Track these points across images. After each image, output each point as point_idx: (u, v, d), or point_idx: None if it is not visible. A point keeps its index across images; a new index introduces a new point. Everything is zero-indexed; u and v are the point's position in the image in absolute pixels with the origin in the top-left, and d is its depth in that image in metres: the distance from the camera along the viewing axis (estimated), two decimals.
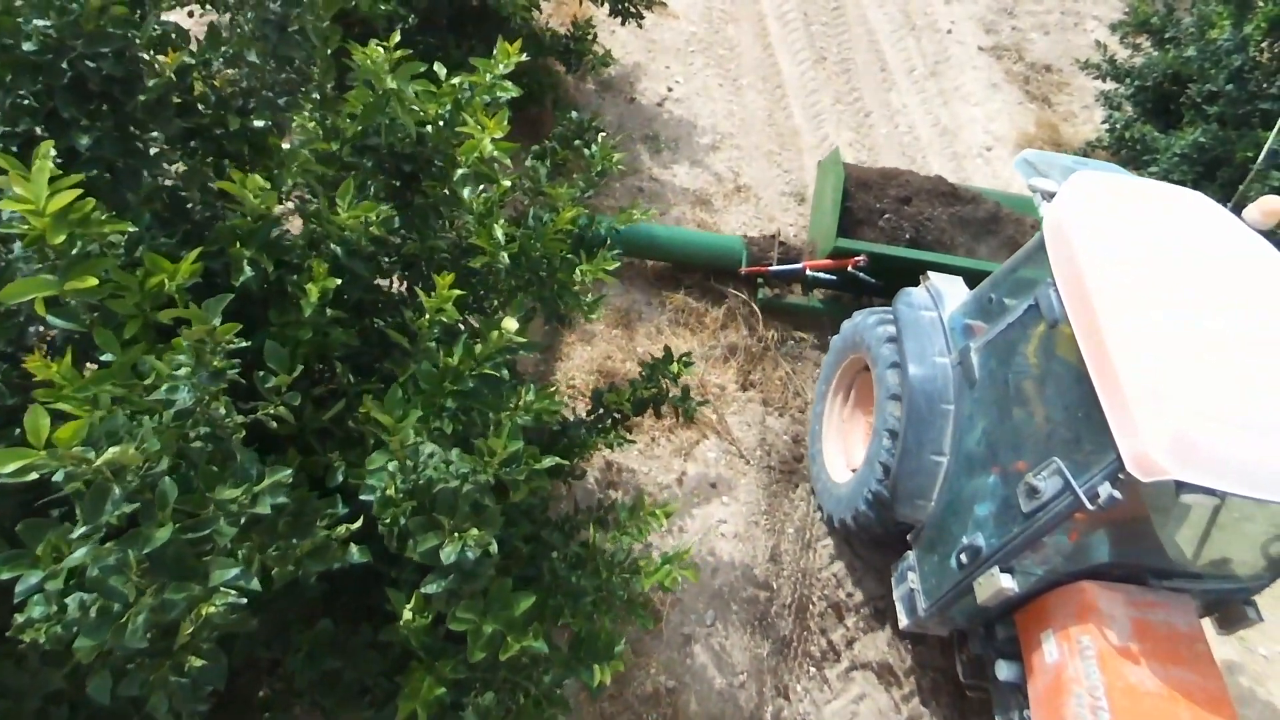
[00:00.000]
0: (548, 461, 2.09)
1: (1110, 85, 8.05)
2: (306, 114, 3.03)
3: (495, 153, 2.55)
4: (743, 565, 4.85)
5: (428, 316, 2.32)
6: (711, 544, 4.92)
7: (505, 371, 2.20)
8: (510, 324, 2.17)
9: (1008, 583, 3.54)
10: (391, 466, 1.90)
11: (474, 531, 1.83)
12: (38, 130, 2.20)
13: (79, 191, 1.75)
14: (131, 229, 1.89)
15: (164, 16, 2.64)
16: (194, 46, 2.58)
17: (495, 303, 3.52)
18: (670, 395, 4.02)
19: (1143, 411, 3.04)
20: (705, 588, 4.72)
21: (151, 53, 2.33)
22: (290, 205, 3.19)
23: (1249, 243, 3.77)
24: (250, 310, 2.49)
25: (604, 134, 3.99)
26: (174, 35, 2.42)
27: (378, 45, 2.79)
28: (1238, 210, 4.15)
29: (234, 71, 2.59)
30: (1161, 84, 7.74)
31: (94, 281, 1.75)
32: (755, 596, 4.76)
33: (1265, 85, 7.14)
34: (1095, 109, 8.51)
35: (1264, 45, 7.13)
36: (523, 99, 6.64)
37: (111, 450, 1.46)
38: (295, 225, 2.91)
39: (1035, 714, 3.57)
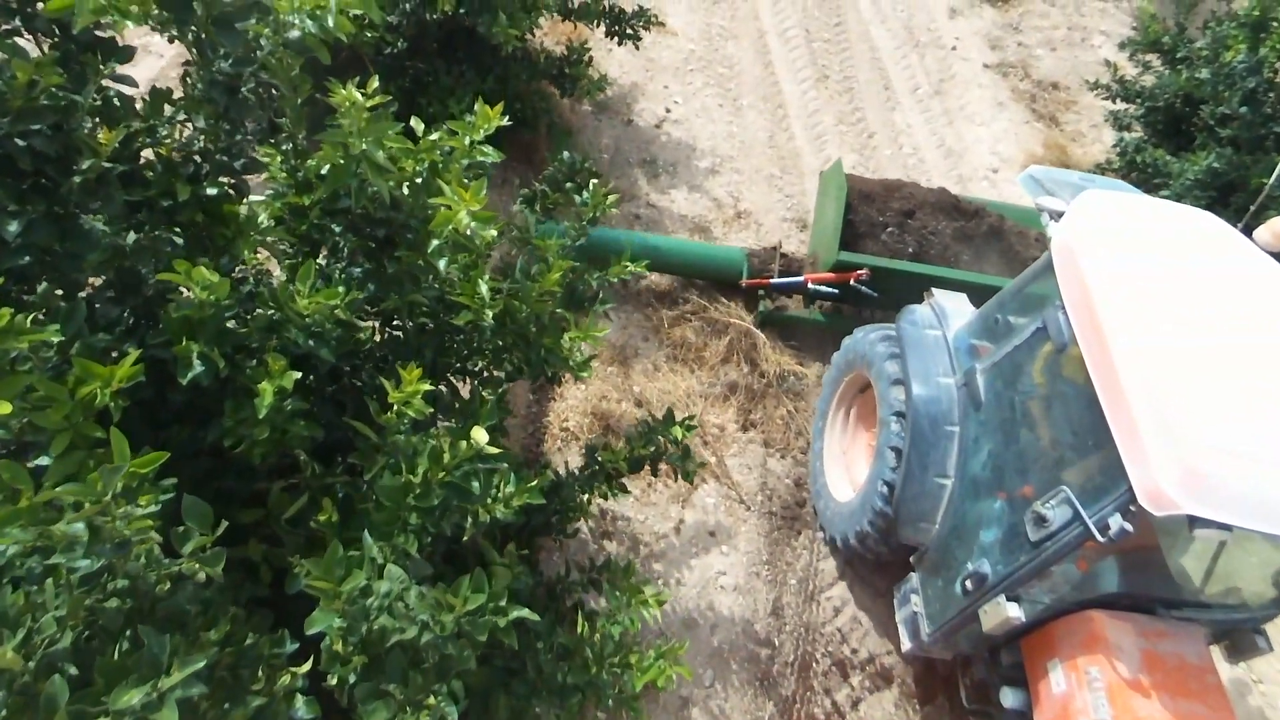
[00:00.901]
0: (515, 613, 1.88)
1: (1120, 105, 7.84)
2: (278, 164, 2.84)
3: (473, 225, 2.34)
4: (743, 620, 4.64)
5: (394, 411, 2.12)
6: (710, 597, 4.70)
7: (476, 484, 1.99)
8: (480, 435, 1.96)
9: (1014, 612, 3.47)
10: (337, 623, 1.70)
11: (431, 702, 1.63)
12: None
13: None
14: (57, 339, 1.68)
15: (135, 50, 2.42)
16: (140, 106, 2.38)
17: (479, 364, 3.34)
18: (669, 453, 3.81)
19: (1155, 443, 2.95)
20: (704, 645, 4.51)
21: (92, 122, 2.13)
22: (261, 258, 2.99)
23: (1260, 265, 3.68)
24: (203, 401, 2.29)
25: (596, 181, 3.76)
26: (117, 102, 2.21)
27: (356, 90, 2.61)
28: (1248, 231, 4.03)
29: (185, 134, 2.39)
30: (1173, 105, 7.52)
31: (7, 409, 1.55)
32: (756, 654, 4.54)
33: None
34: (1104, 128, 8.30)
35: (1279, 66, 6.92)
36: (516, 124, 6.51)
37: None
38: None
39: None
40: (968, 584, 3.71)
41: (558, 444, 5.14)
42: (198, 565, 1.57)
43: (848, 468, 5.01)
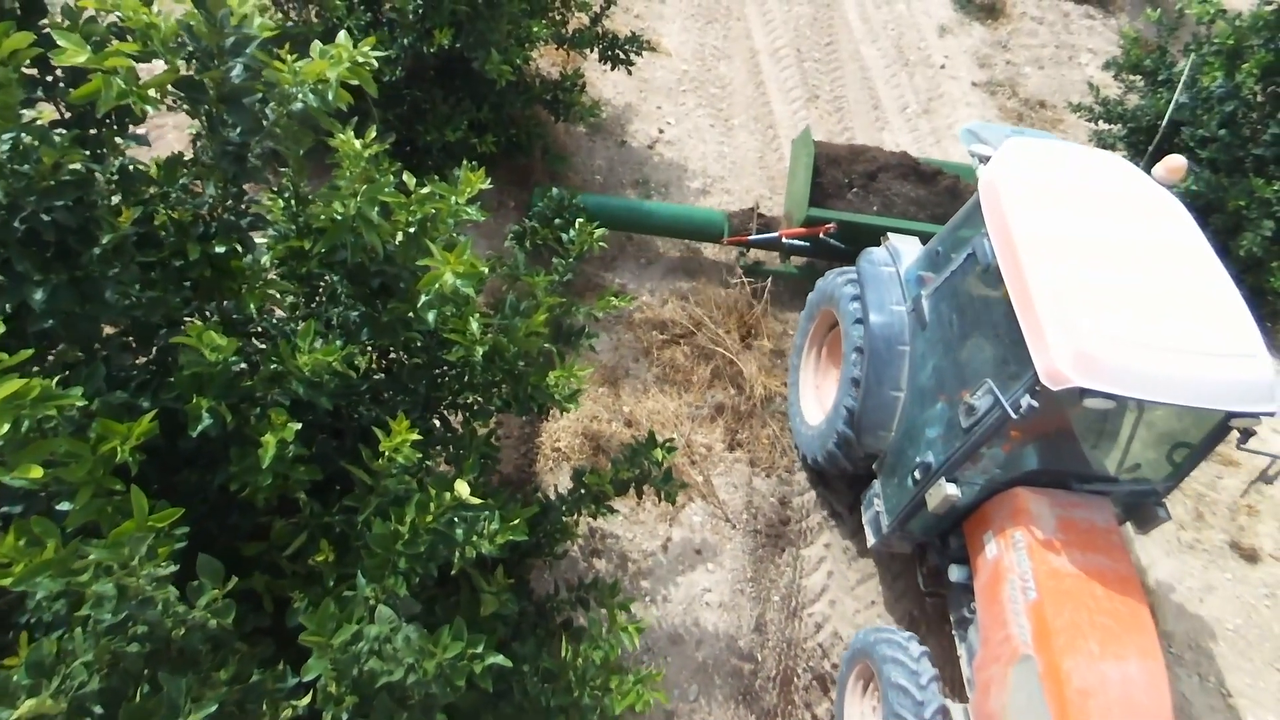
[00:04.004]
0: (490, 659, 2.06)
1: (1103, 126, 8.01)
2: (280, 209, 3.03)
3: (458, 283, 2.52)
4: (727, 636, 4.82)
5: (385, 458, 2.30)
6: (696, 614, 4.88)
7: (459, 530, 2.17)
8: (462, 488, 2.15)
9: (952, 490, 4.06)
10: (329, 670, 1.88)
11: None
12: None
13: (24, 382, 1.73)
14: (80, 403, 1.87)
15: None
16: (154, 171, 2.56)
17: (470, 399, 3.52)
18: (653, 477, 3.99)
19: (1053, 333, 3.60)
20: (689, 661, 4.69)
21: (110, 192, 2.31)
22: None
23: (1155, 195, 4.35)
24: (210, 447, 2.47)
25: (582, 220, 3.94)
26: (133, 169, 2.39)
27: (355, 138, 2.79)
28: (1149, 168, 4.68)
29: (194, 198, 2.57)
30: (1155, 126, 7.69)
31: (39, 473, 1.73)
32: (739, 669, 4.72)
33: (1259, 128, 7.11)
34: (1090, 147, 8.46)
35: (1256, 89, 7.09)
36: (510, 149, 6.70)
37: (29, 703, 1.44)
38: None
39: (979, 602, 4.14)
40: (916, 474, 4.33)
41: (549, 464, 5.33)
42: (210, 616, 1.75)
43: (819, 398, 5.64)
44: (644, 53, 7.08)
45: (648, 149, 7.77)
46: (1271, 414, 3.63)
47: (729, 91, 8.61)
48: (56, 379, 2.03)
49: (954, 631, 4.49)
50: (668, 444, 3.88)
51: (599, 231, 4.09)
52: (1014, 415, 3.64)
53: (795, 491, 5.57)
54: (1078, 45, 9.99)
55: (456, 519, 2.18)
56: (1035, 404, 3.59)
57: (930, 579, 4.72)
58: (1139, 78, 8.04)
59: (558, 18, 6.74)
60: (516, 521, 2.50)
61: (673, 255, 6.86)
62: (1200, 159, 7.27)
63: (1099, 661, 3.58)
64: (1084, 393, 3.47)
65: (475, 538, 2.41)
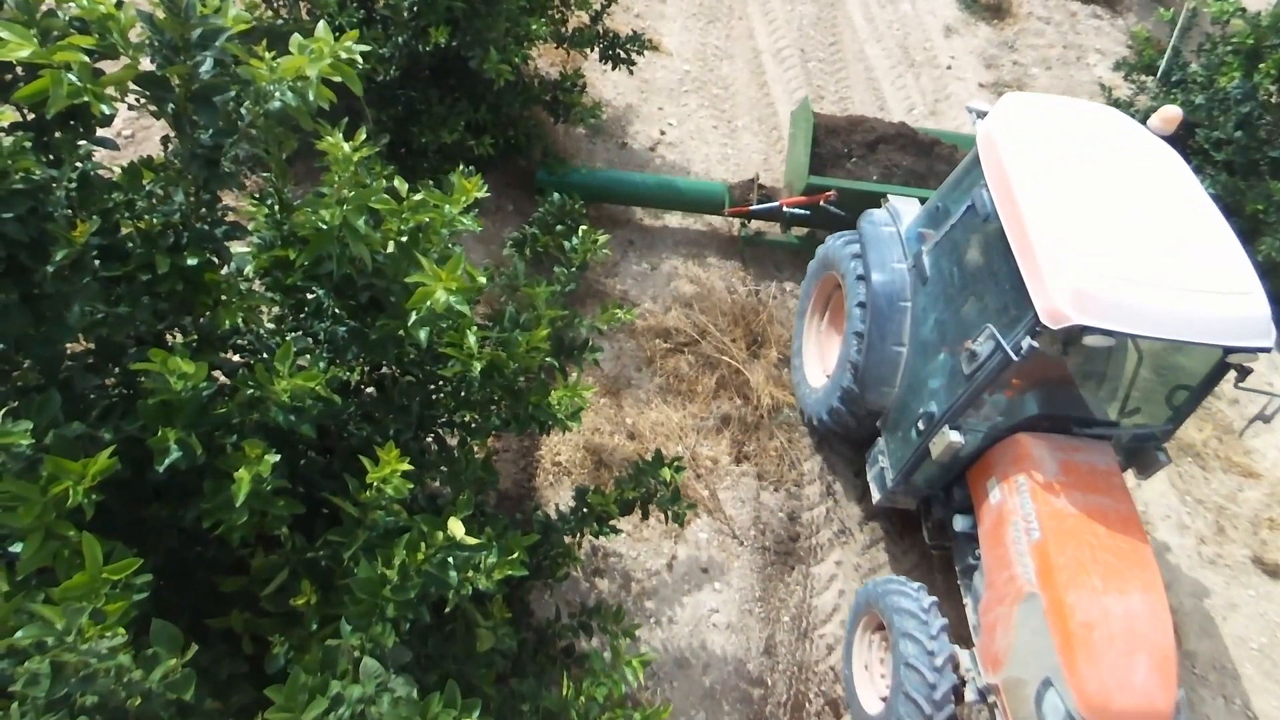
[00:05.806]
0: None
1: None
2: (263, 218, 2.82)
3: (452, 300, 2.31)
4: (735, 660, 4.62)
5: (373, 489, 2.09)
6: (703, 636, 4.68)
7: (453, 572, 1.97)
8: (456, 528, 1.94)
9: (956, 437, 4.09)
10: None
11: None
12: None
13: None
14: (26, 441, 1.66)
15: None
16: (118, 177, 2.36)
17: (467, 417, 3.31)
18: (659, 495, 3.79)
19: (1052, 273, 3.66)
20: (696, 686, 4.48)
21: (68, 201, 2.10)
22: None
23: (1150, 144, 4.41)
24: (182, 478, 2.27)
25: (585, 226, 3.74)
26: (93, 175, 2.19)
27: (344, 141, 2.59)
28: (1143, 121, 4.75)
29: (163, 206, 2.35)
30: None
31: None
32: (748, 694, 4.52)
33: (1276, 130, 6.93)
34: None
35: (1274, 90, 6.92)
36: (509, 151, 6.49)
37: None
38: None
39: (984, 547, 4.19)
40: (920, 425, 4.38)
41: (549, 479, 5.12)
42: (166, 691, 1.55)
43: (823, 361, 5.68)
44: (645, 52, 6.90)
45: (649, 151, 7.57)
46: (1268, 349, 3.69)
47: (732, 92, 8.41)
48: (6, 410, 1.84)
49: (959, 581, 4.53)
50: (675, 462, 3.68)
51: (603, 238, 3.88)
52: (1015, 357, 3.67)
53: (805, 506, 5.36)
54: (1085, 46, 9.80)
55: (451, 558, 1.98)
56: (1035, 344, 3.62)
57: (935, 532, 4.73)
58: (1150, 78, 7.87)
59: (557, 16, 6.54)
60: (515, 555, 2.30)
61: (676, 260, 6.66)
62: (1216, 162, 7.09)
63: (1102, 596, 3.65)
64: (1084, 330, 3.53)
65: (471, 573, 2.22)
